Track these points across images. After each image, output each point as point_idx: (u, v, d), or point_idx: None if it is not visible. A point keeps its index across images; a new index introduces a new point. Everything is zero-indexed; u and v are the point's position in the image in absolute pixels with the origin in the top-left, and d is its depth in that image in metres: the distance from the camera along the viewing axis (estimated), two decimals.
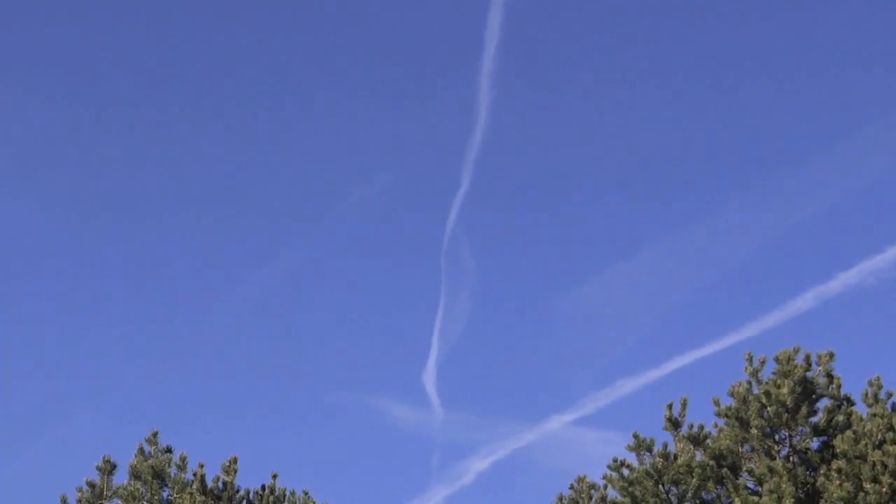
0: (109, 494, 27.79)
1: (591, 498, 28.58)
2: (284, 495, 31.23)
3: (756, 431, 24.91)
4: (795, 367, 25.22)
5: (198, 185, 56.37)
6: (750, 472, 25.00)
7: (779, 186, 48.89)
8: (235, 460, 28.85)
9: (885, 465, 23.09)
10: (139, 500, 27.39)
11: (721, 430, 25.75)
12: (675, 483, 25.48)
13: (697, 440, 25.95)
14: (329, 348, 54.31)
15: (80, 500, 27.81)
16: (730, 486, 24.78)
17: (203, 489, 27.94)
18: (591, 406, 46.00)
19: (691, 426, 26.15)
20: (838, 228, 47.97)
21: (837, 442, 23.93)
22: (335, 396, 52.64)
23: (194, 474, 27.99)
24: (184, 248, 55.38)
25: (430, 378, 49.74)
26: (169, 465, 27.83)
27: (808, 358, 25.47)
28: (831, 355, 25.61)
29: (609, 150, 53.71)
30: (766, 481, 24.13)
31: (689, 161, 52.24)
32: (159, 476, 27.66)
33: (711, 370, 45.70)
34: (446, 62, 56.45)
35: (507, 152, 55.64)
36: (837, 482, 23.22)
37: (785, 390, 24.83)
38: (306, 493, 32.48)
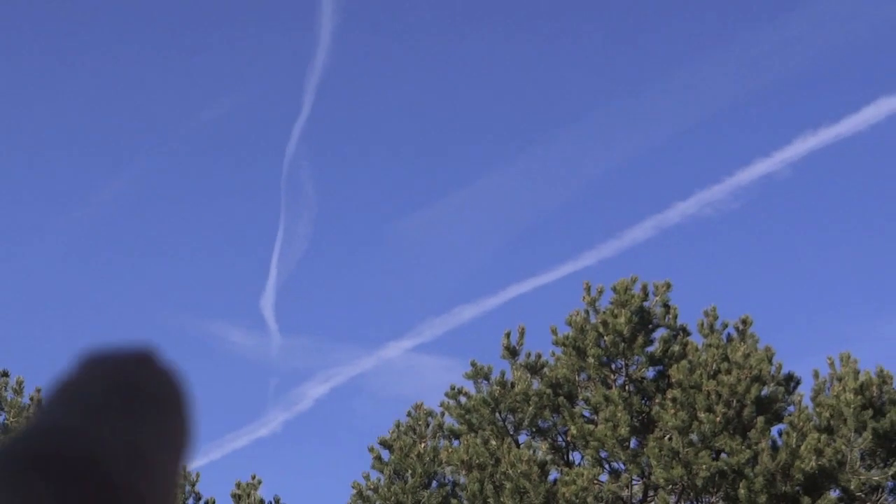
0: None
1: (428, 425, 28.58)
2: None
3: (593, 360, 25.10)
4: (632, 296, 25.44)
5: (37, 106, 54.80)
6: (586, 400, 25.21)
7: (616, 116, 49.26)
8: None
9: (719, 395, 23.46)
10: None
11: (558, 359, 25.91)
12: (512, 411, 25.57)
13: (535, 369, 26.06)
14: (166, 272, 53.45)
15: None
16: (566, 414, 24.96)
17: None
18: (430, 333, 46.03)
19: (529, 355, 26.26)
20: (676, 159, 48.56)
21: (673, 371, 24.24)
22: (172, 320, 51.86)
23: (31, 399, 27.32)
24: (22, 169, 53.88)
25: (268, 303, 49.25)
26: (5, 388, 27.15)
27: (645, 288, 25.71)
28: (668, 286, 25.88)
29: (451, 79, 53.48)
30: (602, 410, 24.35)
31: (528, 89, 52.31)
32: None
33: (550, 299, 46.06)
34: None
35: (350, 79, 55.09)
36: (672, 411, 23.53)
37: (622, 320, 25.03)
38: None
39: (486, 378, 26.23)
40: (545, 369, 25.94)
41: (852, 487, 24.02)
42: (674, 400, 23.73)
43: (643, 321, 25.36)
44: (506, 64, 52.30)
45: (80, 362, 0.53)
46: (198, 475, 33.49)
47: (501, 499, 24.27)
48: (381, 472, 28.02)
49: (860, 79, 47.86)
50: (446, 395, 26.81)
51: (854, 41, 49.96)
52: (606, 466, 24.65)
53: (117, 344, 0.54)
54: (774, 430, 24.48)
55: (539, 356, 26.22)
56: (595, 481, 24.03)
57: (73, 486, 0.45)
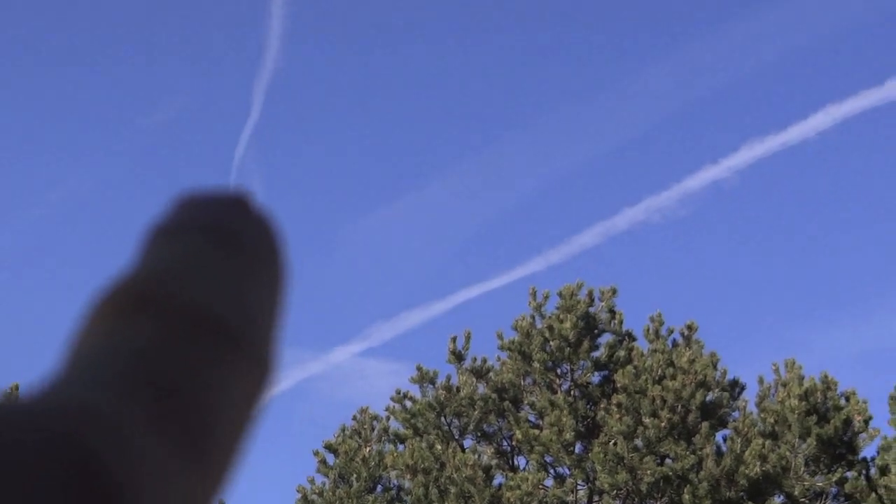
0: None
1: (373, 429, 28.45)
2: None
3: (538, 365, 25.09)
4: (578, 302, 25.45)
5: None
6: (531, 405, 25.19)
7: (567, 122, 49.37)
8: (17, 387, 27.95)
9: (664, 400, 23.49)
10: None
11: (504, 364, 25.88)
12: (458, 415, 25.52)
13: (480, 373, 26.02)
14: (113, 273, 53.03)
15: None
16: (511, 418, 24.92)
17: None
18: (378, 337, 45.91)
19: (475, 359, 26.22)
20: (626, 165, 48.68)
21: (618, 377, 24.26)
22: None
23: None
24: None
25: None
26: None
27: (591, 293, 25.72)
28: (614, 291, 25.91)
29: (401, 82, 53.44)
30: (548, 414, 24.33)
31: (477, 95, 52.38)
32: None
33: (498, 304, 46.02)
34: None
35: (299, 82, 54.97)
36: (617, 416, 23.54)
37: (567, 325, 25.04)
38: None
39: (432, 382, 26.17)
40: (491, 374, 25.90)
41: (796, 493, 24.10)
42: (619, 405, 23.74)
43: (589, 326, 25.36)
44: (456, 68, 52.34)
45: (174, 205, 0.51)
46: None
47: (446, 503, 24.19)
48: (327, 475, 27.86)
49: (808, 86, 48.17)
50: (392, 399, 26.74)
51: (802, 49, 50.28)
52: (551, 471, 24.63)
53: (211, 187, 0.52)
54: (719, 435, 24.55)
55: (485, 361, 26.19)
56: (540, 486, 23.99)
57: (174, 334, 0.44)
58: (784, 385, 25.48)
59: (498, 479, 24.78)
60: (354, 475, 27.35)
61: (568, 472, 24.43)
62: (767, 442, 24.08)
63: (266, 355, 0.47)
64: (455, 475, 24.15)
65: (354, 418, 28.85)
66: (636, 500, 23.70)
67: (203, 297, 0.46)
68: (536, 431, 24.35)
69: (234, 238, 0.49)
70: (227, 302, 0.47)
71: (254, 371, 0.46)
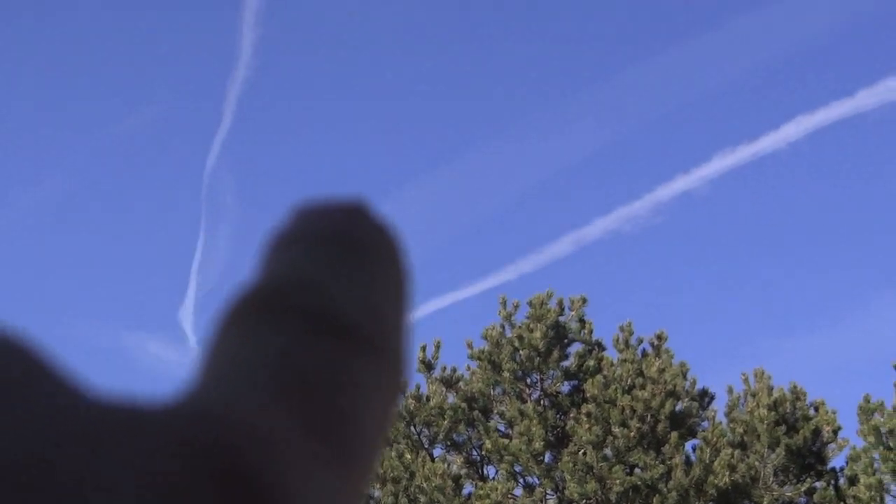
0: None
1: None
2: None
3: (508, 374, 25.07)
4: (548, 311, 25.45)
5: None
6: (501, 414, 25.17)
7: (538, 131, 49.40)
8: None
9: (633, 410, 23.50)
10: None
11: (474, 373, 25.86)
12: (427, 425, 25.48)
13: (450, 382, 25.98)
14: (83, 281, 52.89)
15: None
16: (481, 428, 24.90)
17: None
18: None
19: (444, 368, 26.18)
20: (598, 174, 48.72)
21: (588, 386, 24.26)
22: (87, 329, 51.36)
23: None
24: None
25: (187, 315, 48.81)
26: None
27: (561, 303, 25.72)
28: (584, 300, 25.91)
29: (372, 92, 53.39)
30: (517, 424, 24.31)
31: (448, 104, 52.39)
32: None
33: (468, 314, 45.98)
34: None
35: (271, 91, 54.87)
36: (587, 426, 23.54)
37: (537, 334, 25.04)
38: None
39: (402, 391, 26.11)
40: (460, 383, 25.87)
41: (765, 503, 24.13)
42: (588, 415, 23.73)
43: (559, 336, 25.37)
44: (428, 78, 52.36)
45: (295, 214, 0.52)
46: None
47: None
48: None
49: (779, 97, 48.33)
50: None
51: (774, 59, 50.43)
52: (521, 480, 24.59)
53: (329, 197, 0.53)
54: (688, 445, 24.58)
55: (454, 370, 26.15)
56: (509, 495, 23.96)
57: (313, 332, 0.45)
58: (753, 395, 25.53)
59: (468, 488, 24.74)
60: None
61: (537, 482, 24.41)
62: (736, 452, 24.11)
63: (398, 357, 0.48)
64: (425, 484, 24.10)
65: None
66: None
67: (337, 302, 0.47)
68: (506, 441, 24.32)
69: (359, 245, 0.51)
70: (359, 307, 0.47)
71: (387, 373, 0.46)
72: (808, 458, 25.31)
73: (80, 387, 0.39)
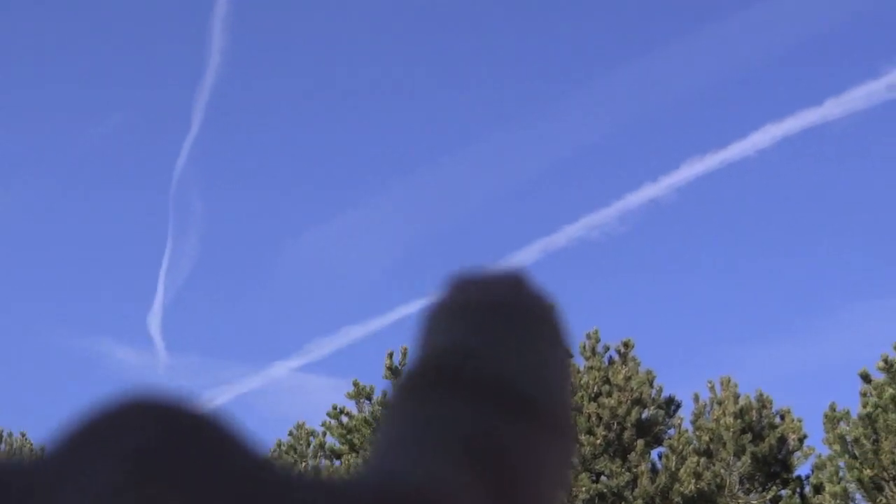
0: None
1: (309, 444, 28.30)
2: (1, 436, 30.09)
3: None
4: None
5: None
6: None
7: (505, 140, 49.41)
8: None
9: (600, 418, 23.51)
10: None
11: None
12: None
13: None
14: (51, 287, 52.63)
15: None
16: None
17: None
18: (317, 353, 45.73)
19: None
20: (565, 182, 48.78)
21: None
22: (56, 337, 51.11)
23: None
24: None
25: (155, 321, 48.59)
26: None
27: None
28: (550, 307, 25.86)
29: (341, 99, 53.30)
30: None
31: (418, 113, 52.37)
32: None
33: None
34: (180, 5, 55.10)
35: (239, 97, 54.75)
36: None
37: None
38: (23, 435, 31.37)
39: (369, 398, 26.07)
40: None
41: None
42: None
43: None
44: (395, 87, 52.32)
45: (453, 285, 0.53)
46: None
47: None
48: None
49: (748, 105, 48.48)
50: (328, 414, 26.60)
51: (743, 68, 50.63)
52: None
53: (485, 267, 0.54)
54: (654, 453, 24.60)
55: None
56: None
57: (489, 405, 0.46)
58: (720, 403, 25.56)
59: None
60: None
61: None
62: (702, 460, 24.14)
63: (567, 425, 0.49)
64: None
65: (290, 434, 28.71)
66: None
67: (507, 373, 0.48)
68: None
69: (523, 314, 0.51)
70: (527, 376, 0.48)
71: (558, 441, 0.47)
72: (773, 466, 25.37)
73: (271, 462, 0.39)
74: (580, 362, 25.43)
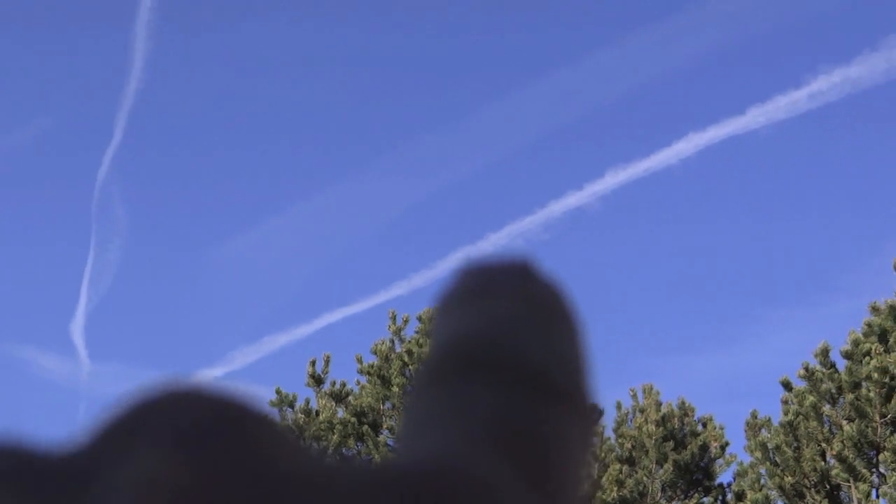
0: None
1: None
2: None
3: (397, 389, 24.92)
4: None
5: None
6: (390, 429, 25.01)
7: (433, 146, 49.38)
8: None
9: None
10: None
11: (363, 388, 25.69)
12: (317, 439, 25.25)
13: (339, 397, 25.79)
14: None
15: None
16: (370, 442, 24.72)
17: None
18: (241, 361, 45.33)
19: (334, 383, 25.99)
20: (490, 190, 48.84)
21: None
22: None
23: None
24: None
25: (77, 328, 48.06)
26: None
27: None
28: None
29: (264, 105, 53.02)
30: None
31: (344, 119, 52.23)
32: None
33: (360, 328, 45.77)
34: (103, 11, 54.59)
35: (163, 105, 54.29)
36: None
37: (427, 349, 24.87)
38: None
39: (291, 406, 25.89)
40: (350, 398, 25.68)
41: None
42: None
43: None
44: (321, 92, 52.13)
45: (464, 273, 0.52)
46: None
47: None
48: None
49: (671, 114, 48.76)
50: None
51: (666, 76, 50.89)
52: None
53: (493, 255, 0.53)
54: None
55: (344, 384, 25.96)
56: None
57: (513, 388, 0.46)
58: (642, 411, 25.60)
59: None
60: None
61: None
62: (624, 467, 24.16)
63: (588, 405, 0.49)
64: None
65: None
66: None
67: (529, 356, 0.47)
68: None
69: (537, 299, 0.50)
70: (551, 360, 0.48)
71: (582, 422, 0.47)
72: (695, 474, 25.45)
73: (309, 448, 0.39)
74: None
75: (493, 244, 39.19)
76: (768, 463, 24.37)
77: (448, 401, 0.45)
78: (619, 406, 25.96)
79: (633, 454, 24.75)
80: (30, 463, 0.35)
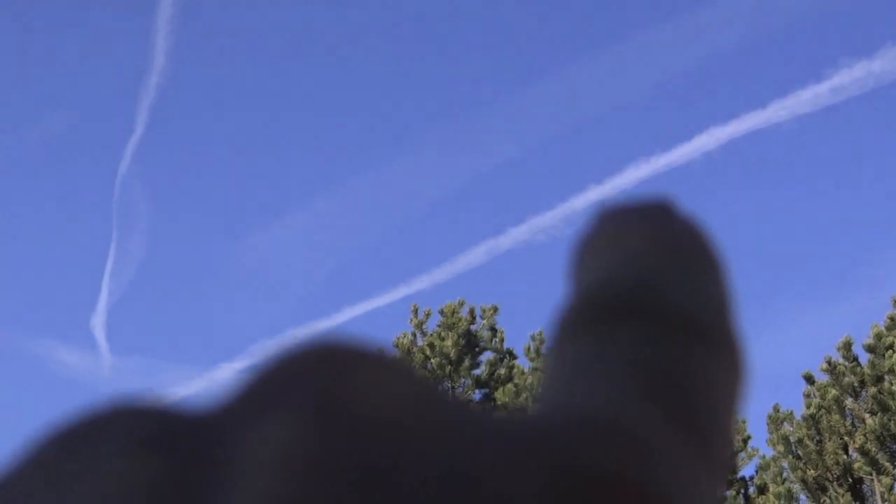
0: None
1: None
2: None
3: None
4: (460, 319, 25.34)
5: None
6: None
7: (452, 141, 49.37)
8: None
9: None
10: None
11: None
12: None
13: None
14: None
15: None
16: None
17: None
18: (262, 355, 45.48)
19: None
20: (511, 185, 48.80)
21: (499, 394, 24.18)
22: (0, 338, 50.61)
23: None
24: None
25: (99, 322, 48.20)
26: None
27: (472, 311, 25.62)
28: (495, 309, 25.85)
29: (286, 100, 53.11)
30: None
31: (362, 113, 52.30)
32: None
33: (382, 322, 45.83)
34: (125, 4, 54.70)
35: (184, 99, 54.41)
36: None
37: (448, 343, 24.92)
38: None
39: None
40: None
41: None
42: None
43: (470, 344, 25.26)
44: (340, 88, 52.19)
45: (601, 217, 0.51)
46: None
47: None
48: None
49: (693, 108, 48.68)
50: None
51: (687, 71, 50.80)
52: None
53: (633, 196, 0.53)
54: None
55: None
56: None
57: (664, 334, 0.45)
58: None
59: None
60: None
61: None
62: None
63: (738, 345, 0.47)
64: None
65: None
66: None
67: (676, 300, 0.46)
68: None
69: (680, 240, 0.50)
70: (696, 301, 0.47)
71: (731, 362, 0.46)
72: None
73: (445, 393, 0.39)
74: (525, 363, 25.40)
75: (513, 239, 39.19)
76: (791, 456, 24.33)
77: (598, 349, 0.44)
78: None
79: None
80: (171, 425, 0.35)
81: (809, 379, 24.64)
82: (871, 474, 23.17)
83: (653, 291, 0.46)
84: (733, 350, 0.46)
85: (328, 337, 0.37)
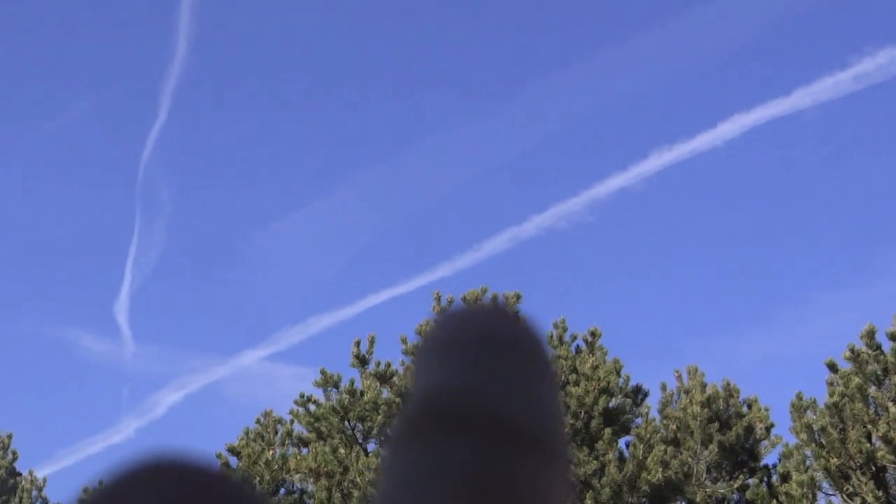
0: None
1: (277, 432, 28.21)
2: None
3: None
4: None
5: None
6: None
7: (475, 129, 49.40)
8: None
9: (567, 406, 23.49)
10: None
11: (408, 368, 25.74)
12: (361, 419, 25.37)
13: (384, 377, 25.88)
14: (16, 276, 52.35)
15: None
16: None
17: None
18: (285, 342, 45.65)
19: (379, 364, 26.06)
20: (534, 171, 48.79)
21: None
22: (23, 325, 50.88)
23: None
24: None
25: (122, 309, 48.46)
26: None
27: (495, 298, 25.62)
28: (518, 296, 25.87)
29: (306, 89, 53.17)
30: None
31: (384, 101, 52.27)
32: None
33: (405, 309, 45.98)
34: None
35: (206, 88, 54.55)
36: None
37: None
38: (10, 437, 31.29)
39: (336, 386, 25.99)
40: (394, 378, 25.78)
41: (698, 500, 24.20)
42: None
43: None
44: (362, 77, 52.23)
45: (440, 321, 0.54)
46: (45, 480, 32.77)
47: None
48: None
49: (716, 95, 48.60)
50: (296, 402, 26.52)
51: (711, 58, 50.68)
52: None
53: (468, 304, 0.55)
54: (622, 441, 24.61)
55: (388, 365, 26.05)
56: None
57: (492, 441, 0.47)
58: (686, 392, 25.59)
59: None
60: (257, 478, 27.10)
61: None
62: (669, 448, 24.16)
63: (566, 454, 0.50)
64: (358, 479, 24.00)
65: (258, 421, 28.60)
66: None
67: (507, 409, 0.48)
68: None
69: (509, 347, 0.51)
70: (525, 410, 0.49)
71: (557, 470, 0.48)
72: (740, 455, 25.41)
73: None
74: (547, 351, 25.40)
75: (536, 226, 39.17)
76: (814, 444, 24.30)
77: (429, 458, 0.46)
78: (664, 387, 25.97)
79: (678, 435, 24.76)
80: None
81: (833, 367, 24.60)
82: (894, 462, 23.15)
83: (485, 400, 0.48)
84: (560, 456, 0.48)
85: (166, 454, 0.39)
